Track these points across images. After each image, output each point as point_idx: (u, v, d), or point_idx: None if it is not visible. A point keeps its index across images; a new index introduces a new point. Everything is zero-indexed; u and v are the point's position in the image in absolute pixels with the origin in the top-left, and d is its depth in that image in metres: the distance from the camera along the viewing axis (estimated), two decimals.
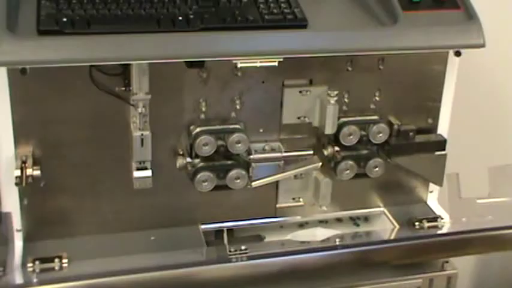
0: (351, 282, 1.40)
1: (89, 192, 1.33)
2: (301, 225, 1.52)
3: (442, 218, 1.48)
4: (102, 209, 1.35)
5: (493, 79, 1.90)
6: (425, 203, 1.54)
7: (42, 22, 1.16)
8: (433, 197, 1.54)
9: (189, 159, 1.32)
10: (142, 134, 1.26)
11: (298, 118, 1.38)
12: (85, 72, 1.22)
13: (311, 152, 1.42)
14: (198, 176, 1.31)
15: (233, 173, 1.33)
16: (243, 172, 1.33)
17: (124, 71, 1.25)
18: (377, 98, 1.41)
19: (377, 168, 1.41)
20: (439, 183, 1.48)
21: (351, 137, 1.38)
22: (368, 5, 1.34)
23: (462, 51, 1.34)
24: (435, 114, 1.44)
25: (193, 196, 1.36)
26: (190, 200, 1.38)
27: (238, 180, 1.33)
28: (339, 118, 1.36)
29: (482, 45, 1.30)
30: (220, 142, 1.31)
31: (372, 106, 1.41)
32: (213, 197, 1.37)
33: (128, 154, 1.29)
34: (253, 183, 1.35)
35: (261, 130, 1.38)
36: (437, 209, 1.52)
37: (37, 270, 1.25)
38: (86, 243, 1.34)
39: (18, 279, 1.24)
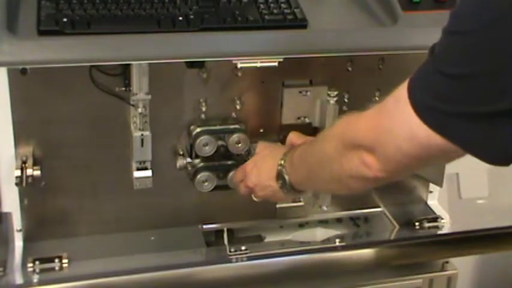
0: (351, 282, 1.40)
1: (89, 192, 1.33)
2: (301, 225, 1.52)
3: (442, 218, 1.48)
4: (102, 209, 1.35)
5: None
6: (426, 203, 1.54)
7: (42, 22, 1.16)
8: (433, 197, 1.54)
9: (189, 159, 1.32)
10: (142, 134, 1.26)
11: (298, 118, 1.38)
12: (85, 72, 1.22)
13: None
14: (198, 176, 1.31)
15: (233, 173, 1.33)
16: None
17: (124, 71, 1.25)
18: (377, 98, 1.41)
19: None
20: (439, 183, 1.48)
21: None
22: (368, 5, 1.34)
23: None
24: None
25: (194, 196, 1.36)
26: (190, 200, 1.38)
27: None
28: (339, 118, 1.36)
29: None
30: (220, 142, 1.31)
31: (372, 106, 1.41)
32: (213, 197, 1.37)
33: (128, 154, 1.29)
34: None
35: (261, 130, 1.38)
36: (437, 209, 1.52)
37: (37, 270, 1.25)
38: (86, 243, 1.34)
39: (18, 279, 1.24)
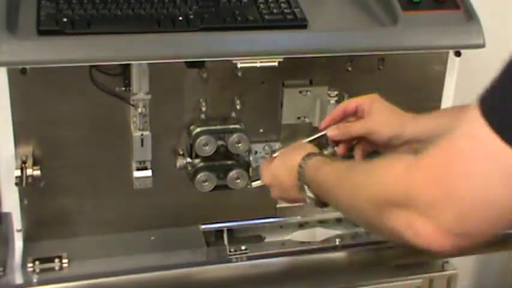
0: (351, 282, 1.40)
1: (89, 192, 1.33)
2: (301, 225, 1.52)
3: None
4: (102, 209, 1.35)
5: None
6: None
7: (42, 22, 1.16)
8: None
9: (189, 159, 1.32)
10: (142, 134, 1.26)
11: (298, 118, 1.38)
12: (85, 72, 1.22)
13: None
14: (198, 176, 1.31)
15: (233, 173, 1.33)
16: (243, 172, 1.33)
17: (124, 71, 1.25)
18: None
19: None
20: None
21: None
22: (368, 5, 1.34)
23: (462, 51, 1.34)
24: None
25: (193, 196, 1.36)
26: (190, 200, 1.38)
27: (238, 180, 1.33)
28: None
29: (482, 46, 1.30)
30: (220, 142, 1.31)
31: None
32: (213, 197, 1.36)
33: (128, 154, 1.29)
34: (253, 183, 1.35)
35: (261, 130, 1.38)
36: None
37: (37, 270, 1.25)
38: (86, 243, 1.34)
39: (18, 279, 1.24)
